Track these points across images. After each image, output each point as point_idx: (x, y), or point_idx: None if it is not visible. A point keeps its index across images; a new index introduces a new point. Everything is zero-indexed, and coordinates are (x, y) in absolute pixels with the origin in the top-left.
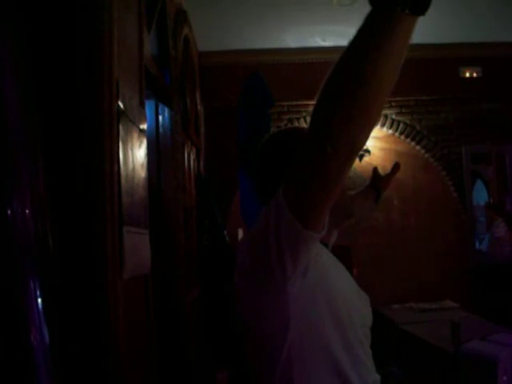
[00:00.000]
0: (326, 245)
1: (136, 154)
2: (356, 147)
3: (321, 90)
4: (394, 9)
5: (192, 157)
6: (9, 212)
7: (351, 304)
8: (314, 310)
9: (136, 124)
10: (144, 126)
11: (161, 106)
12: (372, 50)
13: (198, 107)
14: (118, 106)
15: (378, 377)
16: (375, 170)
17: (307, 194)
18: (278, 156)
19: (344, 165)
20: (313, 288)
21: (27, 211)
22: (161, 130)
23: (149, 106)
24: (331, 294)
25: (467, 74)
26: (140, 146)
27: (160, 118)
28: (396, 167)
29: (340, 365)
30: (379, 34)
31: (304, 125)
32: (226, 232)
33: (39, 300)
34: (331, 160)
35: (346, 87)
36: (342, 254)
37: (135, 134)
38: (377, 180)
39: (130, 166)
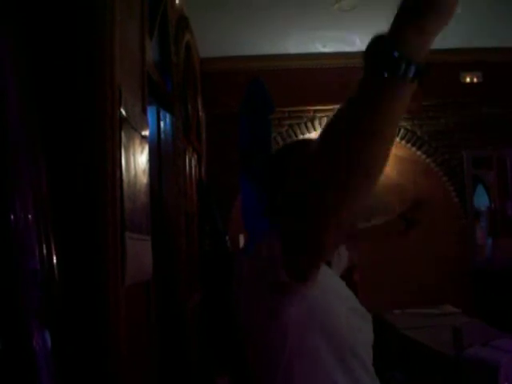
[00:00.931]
0: (328, 263)
1: (138, 160)
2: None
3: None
4: (382, 75)
5: (193, 163)
6: (11, 217)
7: (350, 325)
8: (310, 333)
9: (138, 130)
10: (146, 133)
11: (162, 112)
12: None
13: (200, 113)
14: (121, 112)
15: None
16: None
17: (302, 254)
18: (288, 167)
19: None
20: (309, 311)
21: (30, 216)
22: (162, 135)
23: (150, 112)
24: (328, 317)
25: (468, 79)
26: (142, 152)
27: (161, 124)
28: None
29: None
30: (375, 104)
31: (304, 130)
32: (227, 238)
33: (41, 305)
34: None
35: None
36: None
37: (137, 141)
38: (409, 211)
39: (132, 172)
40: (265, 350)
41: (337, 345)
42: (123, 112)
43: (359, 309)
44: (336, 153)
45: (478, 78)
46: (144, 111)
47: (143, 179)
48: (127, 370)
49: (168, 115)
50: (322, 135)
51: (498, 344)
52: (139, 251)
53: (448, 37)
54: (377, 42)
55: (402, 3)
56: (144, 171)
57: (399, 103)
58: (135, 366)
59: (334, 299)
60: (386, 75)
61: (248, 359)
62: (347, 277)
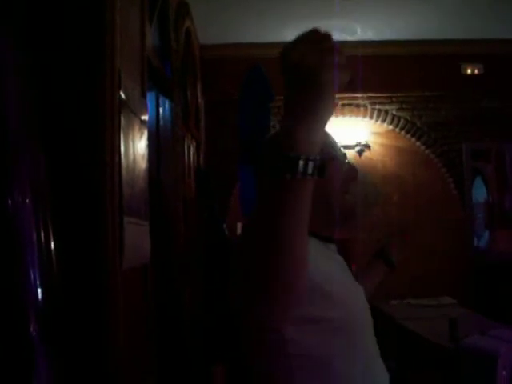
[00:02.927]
0: (328, 239)
1: (137, 145)
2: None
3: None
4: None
5: (192, 150)
6: (9, 202)
7: (354, 314)
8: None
9: (137, 115)
10: (145, 118)
11: (162, 98)
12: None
13: (199, 100)
14: (120, 96)
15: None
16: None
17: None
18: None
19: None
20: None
21: (28, 201)
22: (161, 122)
23: (150, 97)
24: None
25: (468, 71)
26: (141, 137)
27: (161, 109)
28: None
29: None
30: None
31: None
32: (224, 225)
33: (39, 290)
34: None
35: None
36: (341, 248)
37: (136, 125)
38: (384, 250)
39: (131, 157)
40: (262, 343)
41: (348, 346)
42: (123, 95)
43: (361, 295)
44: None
45: (479, 69)
46: (143, 96)
47: (142, 164)
48: (125, 353)
49: (167, 101)
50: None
51: (495, 334)
52: (137, 236)
53: (449, 28)
54: (272, 147)
55: (285, 107)
56: (143, 156)
57: (302, 197)
58: (132, 350)
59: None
60: (287, 177)
61: (244, 348)
62: None
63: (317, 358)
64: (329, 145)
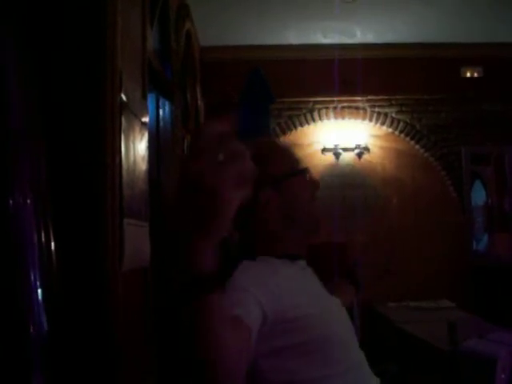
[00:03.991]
0: (295, 257)
1: (137, 147)
2: None
3: None
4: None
5: None
6: (10, 202)
7: (329, 328)
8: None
9: (138, 117)
10: (146, 119)
11: (162, 100)
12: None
13: (199, 102)
14: (121, 98)
15: None
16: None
17: None
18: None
19: None
20: (280, 328)
21: (28, 202)
22: (161, 123)
23: (150, 99)
24: (306, 326)
25: (468, 74)
26: (141, 138)
27: (161, 111)
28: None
29: None
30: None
31: (303, 121)
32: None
33: (39, 290)
34: None
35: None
36: (338, 251)
37: (137, 127)
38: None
39: (132, 158)
40: None
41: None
42: (123, 97)
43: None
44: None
45: (478, 73)
46: (144, 98)
47: (142, 166)
48: (124, 354)
49: (167, 103)
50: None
51: (494, 337)
52: (137, 237)
53: (449, 31)
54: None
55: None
56: (143, 158)
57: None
58: (132, 351)
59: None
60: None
61: None
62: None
63: (299, 381)
64: (290, 162)
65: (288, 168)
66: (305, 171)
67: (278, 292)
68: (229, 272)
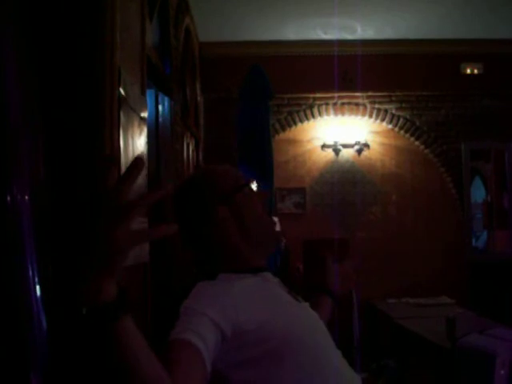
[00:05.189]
0: (257, 270)
1: (136, 142)
2: None
3: None
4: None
5: (191, 147)
6: (8, 198)
7: (297, 335)
8: (250, 360)
9: (137, 112)
10: (145, 114)
11: (161, 96)
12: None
13: (198, 98)
14: (120, 93)
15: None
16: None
17: None
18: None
19: None
20: (249, 342)
21: (26, 198)
22: (160, 119)
23: (149, 95)
24: (272, 339)
25: (468, 71)
26: (140, 134)
27: (160, 107)
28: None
29: None
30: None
31: (303, 117)
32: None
33: (37, 287)
34: None
35: None
36: (340, 246)
37: (136, 122)
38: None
39: (130, 153)
40: None
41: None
42: (122, 92)
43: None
44: None
45: (478, 69)
46: (143, 93)
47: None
48: None
49: (166, 99)
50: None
51: (494, 332)
52: None
53: (449, 27)
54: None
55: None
56: (142, 153)
57: (119, 340)
58: None
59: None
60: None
61: None
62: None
63: None
64: (233, 178)
65: (233, 183)
66: (248, 184)
67: (234, 309)
68: (185, 293)
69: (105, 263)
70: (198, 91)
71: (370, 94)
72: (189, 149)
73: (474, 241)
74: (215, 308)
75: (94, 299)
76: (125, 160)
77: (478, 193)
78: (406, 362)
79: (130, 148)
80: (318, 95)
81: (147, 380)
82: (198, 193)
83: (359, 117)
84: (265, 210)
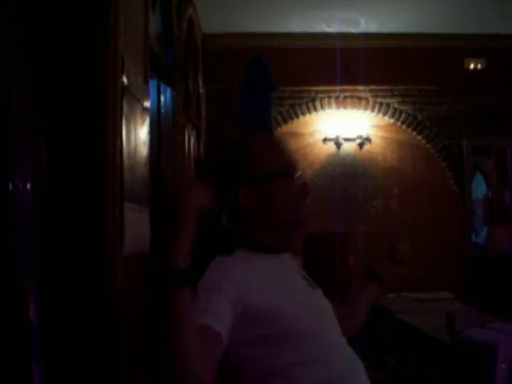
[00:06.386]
0: (275, 251)
1: (138, 132)
2: None
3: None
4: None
5: (192, 139)
6: (10, 186)
7: (309, 317)
8: (256, 338)
9: (140, 101)
10: (147, 104)
11: (163, 86)
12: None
13: (200, 90)
14: (123, 81)
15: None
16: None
17: None
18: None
19: None
20: (254, 321)
21: (28, 186)
22: (162, 110)
23: (151, 85)
24: (280, 321)
25: (471, 66)
26: (143, 123)
27: (162, 98)
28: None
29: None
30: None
31: (305, 110)
32: (224, 216)
33: (38, 276)
34: None
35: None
36: (340, 240)
37: (138, 112)
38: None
39: (133, 143)
40: None
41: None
42: (125, 81)
43: (313, 296)
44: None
45: (482, 64)
46: (146, 82)
47: (143, 151)
48: (123, 340)
49: (168, 89)
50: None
51: (495, 326)
52: (137, 222)
53: (453, 22)
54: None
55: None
56: (144, 143)
57: (180, 309)
58: (131, 337)
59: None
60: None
61: None
62: (342, 264)
63: (272, 368)
64: (282, 161)
65: (269, 168)
66: (291, 174)
67: (247, 288)
68: (202, 269)
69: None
70: (200, 83)
71: (372, 87)
72: (190, 140)
73: (474, 236)
74: (230, 285)
75: (172, 264)
76: (127, 150)
77: (479, 189)
78: (406, 356)
79: (133, 137)
80: (320, 88)
81: (190, 353)
82: (228, 168)
83: (361, 110)
84: (299, 203)
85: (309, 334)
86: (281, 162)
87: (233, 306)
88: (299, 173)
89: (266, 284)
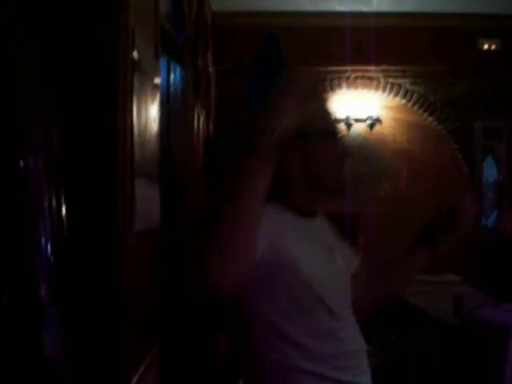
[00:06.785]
0: (309, 214)
1: (149, 108)
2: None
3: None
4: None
5: (201, 119)
6: (21, 163)
7: (328, 294)
8: (269, 295)
9: (150, 77)
10: (158, 80)
11: (172, 65)
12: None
13: (210, 69)
14: (133, 56)
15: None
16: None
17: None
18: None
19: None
20: (270, 271)
21: (39, 161)
22: (172, 88)
23: (161, 63)
24: (293, 280)
25: (485, 47)
26: (153, 100)
27: (171, 76)
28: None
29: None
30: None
31: None
32: None
33: (49, 250)
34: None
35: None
36: (349, 221)
37: (149, 88)
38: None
39: (143, 119)
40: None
41: (305, 309)
42: (136, 56)
43: (336, 266)
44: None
45: (496, 45)
46: (156, 59)
47: (153, 127)
48: (134, 317)
49: (178, 68)
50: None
51: (509, 307)
52: (147, 198)
53: (467, 1)
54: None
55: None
56: (154, 120)
57: (261, 174)
58: (141, 314)
59: (298, 265)
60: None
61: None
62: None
63: (288, 336)
64: (326, 122)
65: (319, 128)
66: (334, 135)
67: (279, 236)
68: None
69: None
70: (210, 62)
71: (383, 67)
72: (199, 120)
73: (483, 220)
74: (264, 233)
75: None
76: (138, 126)
77: (490, 172)
78: (411, 338)
79: (143, 113)
80: (330, 68)
81: (246, 231)
82: None
83: (372, 91)
84: (341, 162)
85: (321, 304)
86: (325, 123)
87: (265, 245)
88: (341, 135)
89: (293, 241)
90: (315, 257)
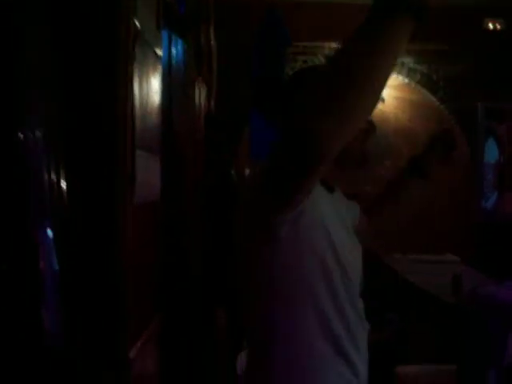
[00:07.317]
0: (331, 188)
1: (151, 79)
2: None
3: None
4: (396, 13)
5: (203, 94)
6: (21, 136)
7: (346, 260)
8: (300, 265)
9: (152, 47)
10: (160, 52)
11: (174, 38)
12: (369, 53)
13: (212, 44)
14: (135, 24)
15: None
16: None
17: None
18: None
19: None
20: (302, 240)
21: (39, 134)
22: (173, 62)
23: (163, 36)
24: (324, 250)
25: (490, 26)
26: (155, 71)
27: (173, 49)
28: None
29: (326, 317)
30: (379, 36)
31: None
32: (233, 172)
33: (49, 223)
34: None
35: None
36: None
37: (151, 59)
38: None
39: (145, 90)
40: (254, 271)
41: (331, 289)
42: (138, 24)
43: (356, 245)
44: (347, 67)
45: (500, 24)
46: (159, 29)
47: (155, 99)
48: (134, 290)
49: (180, 42)
50: (335, 55)
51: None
52: (148, 170)
53: None
54: None
55: None
56: (156, 92)
57: (400, 35)
58: (141, 287)
59: (329, 235)
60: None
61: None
62: None
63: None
64: None
65: None
66: None
67: (313, 204)
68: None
69: None
70: (212, 37)
71: None
72: (201, 95)
73: (483, 201)
74: None
75: None
76: (139, 97)
77: (492, 153)
78: (411, 317)
79: (145, 85)
80: (334, 45)
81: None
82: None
83: None
84: (366, 134)
85: (340, 268)
86: None
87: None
88: None
89: (325, 211)
90: (342, 232)
